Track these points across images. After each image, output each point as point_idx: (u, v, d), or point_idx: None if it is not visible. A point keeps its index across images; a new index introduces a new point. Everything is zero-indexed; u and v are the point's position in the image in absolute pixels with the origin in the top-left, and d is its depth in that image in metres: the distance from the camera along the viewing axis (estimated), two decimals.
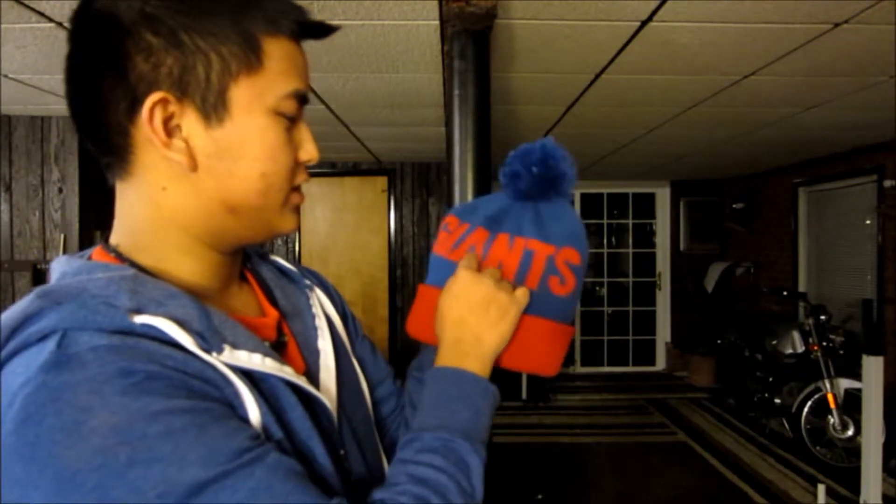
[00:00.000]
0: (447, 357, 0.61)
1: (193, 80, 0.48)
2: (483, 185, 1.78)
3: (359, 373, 0.69)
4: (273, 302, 0.64)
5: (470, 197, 1.76)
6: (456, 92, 1.77)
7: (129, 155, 0.52)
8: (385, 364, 0.80)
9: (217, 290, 0.58)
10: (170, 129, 0.49)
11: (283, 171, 0.54)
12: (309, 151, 0.56)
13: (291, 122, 0.54)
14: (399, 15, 2.02)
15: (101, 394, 0.40)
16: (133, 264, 0.52)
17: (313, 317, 0.66)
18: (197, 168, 0.51)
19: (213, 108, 0.49)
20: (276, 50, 0.51)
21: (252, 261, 0.67)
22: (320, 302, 0.69)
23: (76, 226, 3.54)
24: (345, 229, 5.38)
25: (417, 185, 5.40)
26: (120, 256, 0.53)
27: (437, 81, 2.75)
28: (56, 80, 2.79)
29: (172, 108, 0.49)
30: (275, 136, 0.52)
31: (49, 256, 3.56)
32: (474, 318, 0.61)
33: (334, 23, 0.59)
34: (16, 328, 0.43)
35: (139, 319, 0.45)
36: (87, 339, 0.42)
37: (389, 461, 0.69)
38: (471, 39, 1.78)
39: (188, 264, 0.55)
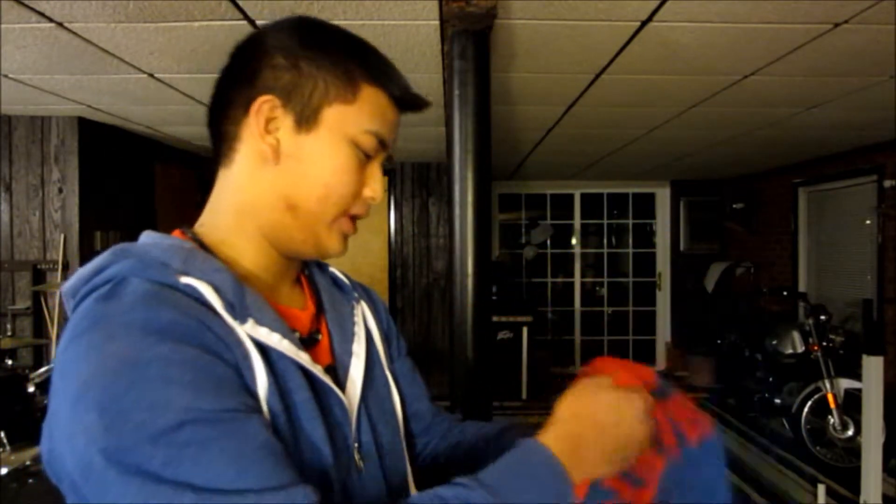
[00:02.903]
0: (553, 442, 0.56)
1: (298, 94, 0.60)
2: (483, 185, 1.78)
3: (391, 384, 0.72)
4: (318, 303, 0.70)
5: (470, 197, 1.76)
6: (456, 92, 1.77)
7: (235, 143, 0.62)
8: (422, 385, 0.82)
9: (268, 281, 0.64)
10: (270, 128, 0.60)
11: (344, 191, 0.62)
12: (373, 189, 0.65)
13: (367, 158, 0.64)
14: (399, 15, 2.02)
15: (127, 327, 0.48)
16: (201, 244, 0.61)
17: (353, 324, 0.71)
18: (279, 162, 0.61)
19: (306, 120, 0.61)
20: (370, 96, 0.62)
21: (310, 267, 0.74)
22: (364, 314, 0.75)
23: (76, 226, 3.55)
24: None
25: (417, 185, 5.40)
26: (194, 237, 0.62)
27: (437, 81, 2.75)
28: (56, 80, 2.79)
29: (277, 111, 0.60)
30: (346, 160, 0.62)
31: (49, 256, 3.56)
32: (609, 452, 0.57)
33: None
34: (91, 276, 0.54)
35: (184, 280, 0.53)
36: (136, 284, 0.52)
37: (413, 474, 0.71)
38: (471, 39, 1.78)
39: (249, 252, 0.63)
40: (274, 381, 0.54)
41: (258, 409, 0.51)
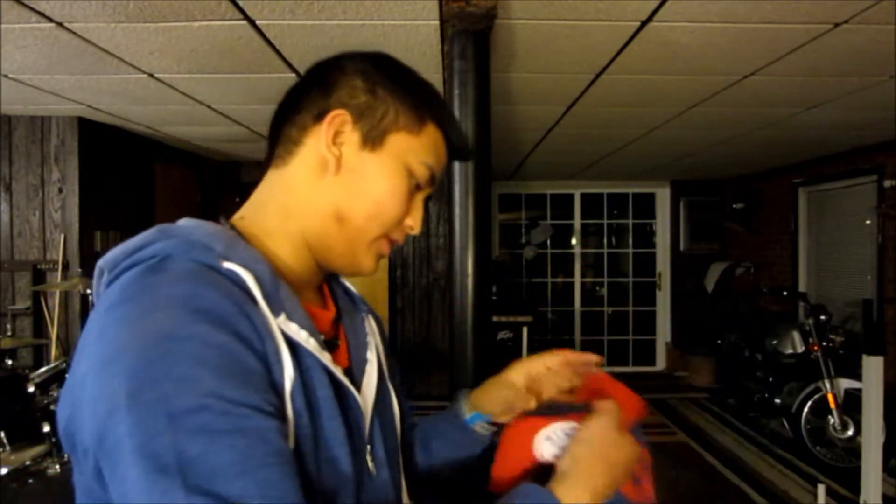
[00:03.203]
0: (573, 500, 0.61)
1: (370, 115, 0.64)
2: (483, 185, 1.78)
3: (392, 395, 0.75)
4: (337, 309, 0.73)
5: (470, 197, 1.76)
6: (456, 92, 1.77)
7: (295, 147, 0.65)
8: (405, 397, 0.86)
9: (299, 280, 0.66)
10: (336, 141, 0.64)
11: (391, 213, 0.66)
12: (414, 219, 0.69)
13: (417, 188, 0.68)
14: (399, 15, 2.02)
15: (170, 300, 0.49)
16: (241, 235, 0.63)
17: (365, 334, 0.75)
18: (338, 172, 0.64)
19: (372, 140, 0.64)
20: (432, 134, 0.67)
21: (329, 278, 0.77)
22: (372, 326, 0.78)
23: (76, 226, 3.55)
24: None
25: None
26: (232, 227, 0.64)
27: (437, 81, 2.75)
28: (56, 80, 2.79)
29: (347, 126, 0.64)
30: (399, 184, 0.65)
31: (49, 256, 3.56)
32: (616, 484, 0.65)
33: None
34: (134, 251, 0.55)
35: (226, 265, 0.55)
36: (181, 262, 0.54)
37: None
38: (471, 39, 1.78)
39: (287, 250, 0.65)
40: (300, 376, 0.55)
41: (280, 412, 0.52)
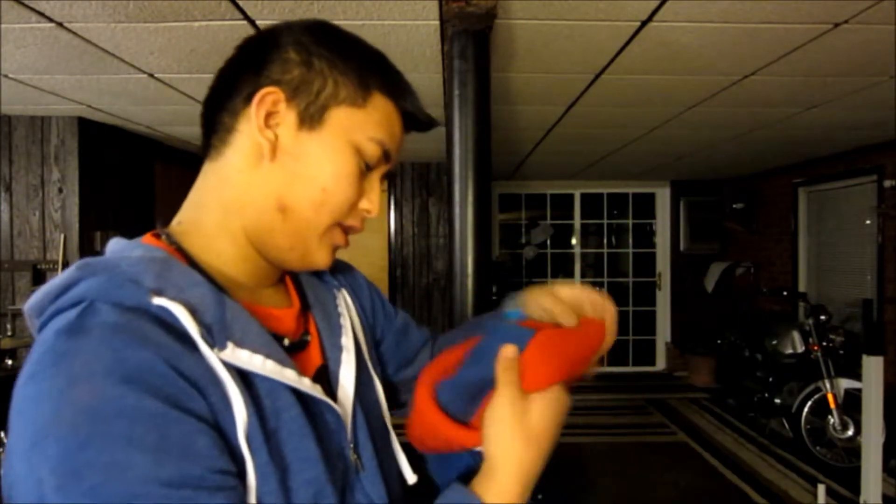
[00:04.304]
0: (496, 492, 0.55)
1: (306, 91, 0.58)
2: (483, 185, 1.77)
3: (372, 373, 0.70)
4: (303, 298, 0.67)
5: (470, 197, 1.76)
6: (456, 92, 1.77)
7: (228, 135, 0.59)
8: (418, 338, 0.82)
9: (250, 285, 0.61)
10: (269, 123, 0.58)
11: (341, 199, 0.59)
12: (371, 201, 0.62)
13: (368, 168, 0.61)
14: (399, 15, 2.02)
15: (91, 369, 0.43)
16: (178, 248, 0.57)
17: (339, 315, 0.69)
18: (274, 158, 0.58)
19: (310, 118, 0.58)
20: (380, 104, 0.61)
21: None
22: (346, 302, 0.72)
23: (76, 226, 3.55)
24: None
25: (417, 185, 5.40)
26: (169, 239, 0.58)
27: (437, 81, 2.75)
28: (56, 80, 2.79)
29: (280, 105, 0.57)
30: (347, 166, 0.59)
31: (49, 256, 3.56)
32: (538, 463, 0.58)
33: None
34: (58, 294, 0.49)
35: (157, 301, 0.48)
36: (104, 313, 0.46)
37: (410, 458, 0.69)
38: (471, 39, 1.78)
39: (231, 255, 0.60)
40: (255, 410, 0.50)
41: (229, 474, 0.47)
